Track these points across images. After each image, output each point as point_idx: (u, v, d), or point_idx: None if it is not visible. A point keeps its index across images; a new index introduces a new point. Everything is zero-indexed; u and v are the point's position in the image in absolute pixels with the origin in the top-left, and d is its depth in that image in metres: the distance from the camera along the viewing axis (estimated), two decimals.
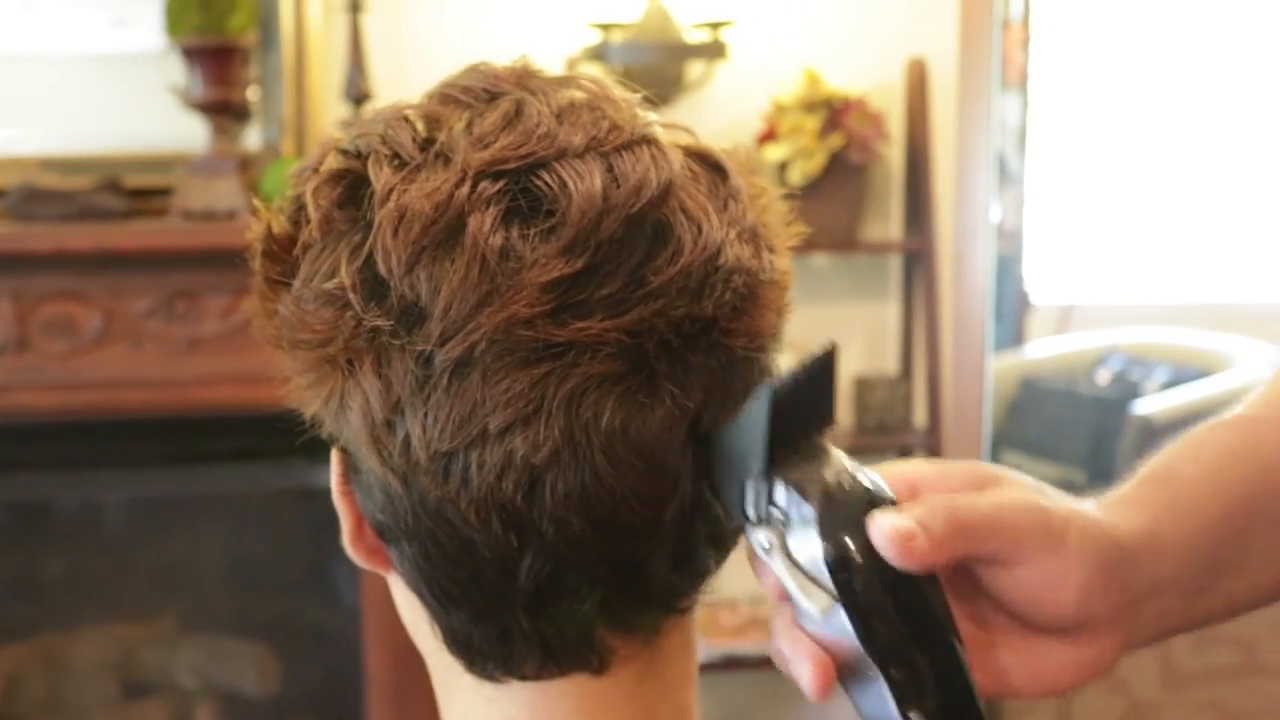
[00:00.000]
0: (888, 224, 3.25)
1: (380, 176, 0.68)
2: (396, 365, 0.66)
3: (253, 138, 2.96)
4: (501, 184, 0.66)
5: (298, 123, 2.96)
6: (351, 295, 0.67)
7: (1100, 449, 2.48)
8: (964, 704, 0.65)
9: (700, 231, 0.68)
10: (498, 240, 0.65)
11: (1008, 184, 2.26)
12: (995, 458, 2.50)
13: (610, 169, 0.67)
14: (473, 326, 0.65)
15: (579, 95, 0.71)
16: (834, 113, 3.02)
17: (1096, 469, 2.54)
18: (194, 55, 2.72)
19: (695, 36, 2.99)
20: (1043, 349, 2.60)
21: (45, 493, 3.13)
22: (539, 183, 0.67)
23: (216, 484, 3.14)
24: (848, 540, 0.64)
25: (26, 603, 3.20)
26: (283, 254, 0.72)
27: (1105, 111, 2.31)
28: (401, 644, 2.76)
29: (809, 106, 3.02)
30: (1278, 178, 2.13)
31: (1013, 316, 2.42)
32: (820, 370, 0.67)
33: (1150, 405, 2.37)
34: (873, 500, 0.66)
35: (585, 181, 0.66)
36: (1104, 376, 2.49)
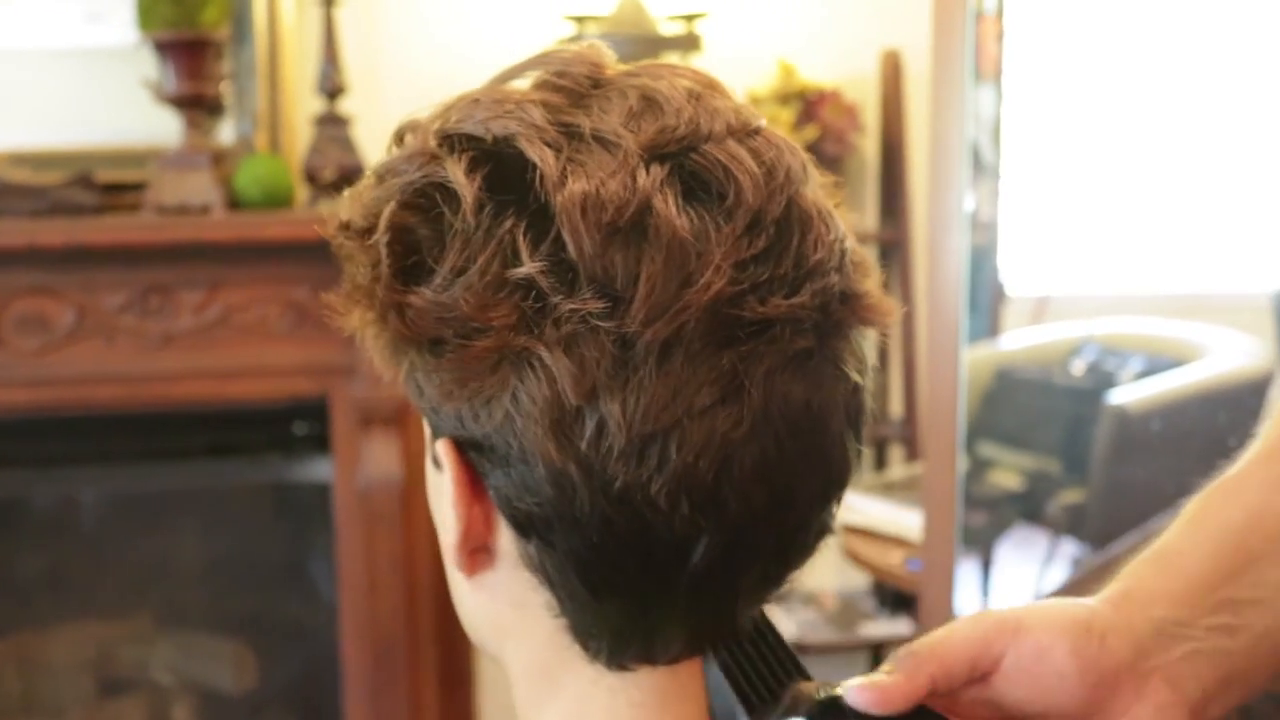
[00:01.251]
0: (863, 215, 3.26)
1: (545, 159, 0.67)
2: (591, 349, 0.65)
3: (226, 132, 2.95)
4: (668, 167, 0.67)
5: (271, 117, 2.95)
6: (541, 280, 0.65)
7: (1075, 439, 2.49)
8: None
9: (830, 215, 0.71)
10: (685, 222, 0.66)
11: (983, 176, 2.26)
12: (971, 448, 2.50)
13: (754, 154, 0.69)
14: (680, 306, 0.65)
15: (691, 84, 0.72)
16: (809, 104, 3.03)
17: (1072, 458, 2.55)
18: (166, 49, 2.71)
19: (669, 29, 2.99)
20: (1018, 340, 2.61)
21: (19, 489, 3.11)
22: (699, 165, 0.68)
23: (192, 480, 3.13)
24: (837, 713, 0.69)
25: (1, 600, 3.18)
26: (409, 244, 0.70)
27: (1080, 103, 2.32)
28: (379, 639, 2.76)
29: (784, 98, 3.02)
30: (1249, 169, 2.14)
31: (988, 308, 2.42)
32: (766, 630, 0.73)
33: (1125, 395, 2.38)
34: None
35: (746, 164, 0.68)
36: (1079, 367, 2.50)
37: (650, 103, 0.69)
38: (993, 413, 2.61)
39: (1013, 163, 2.30)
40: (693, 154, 0.68)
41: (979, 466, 2.56)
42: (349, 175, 2.82)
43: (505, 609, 0.76)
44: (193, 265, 2.80)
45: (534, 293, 0.66)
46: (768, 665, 0.72)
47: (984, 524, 2.55)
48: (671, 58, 3.05)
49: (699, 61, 3.00)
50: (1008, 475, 2.58)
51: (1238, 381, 2.29)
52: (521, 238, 0.66)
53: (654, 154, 0.67)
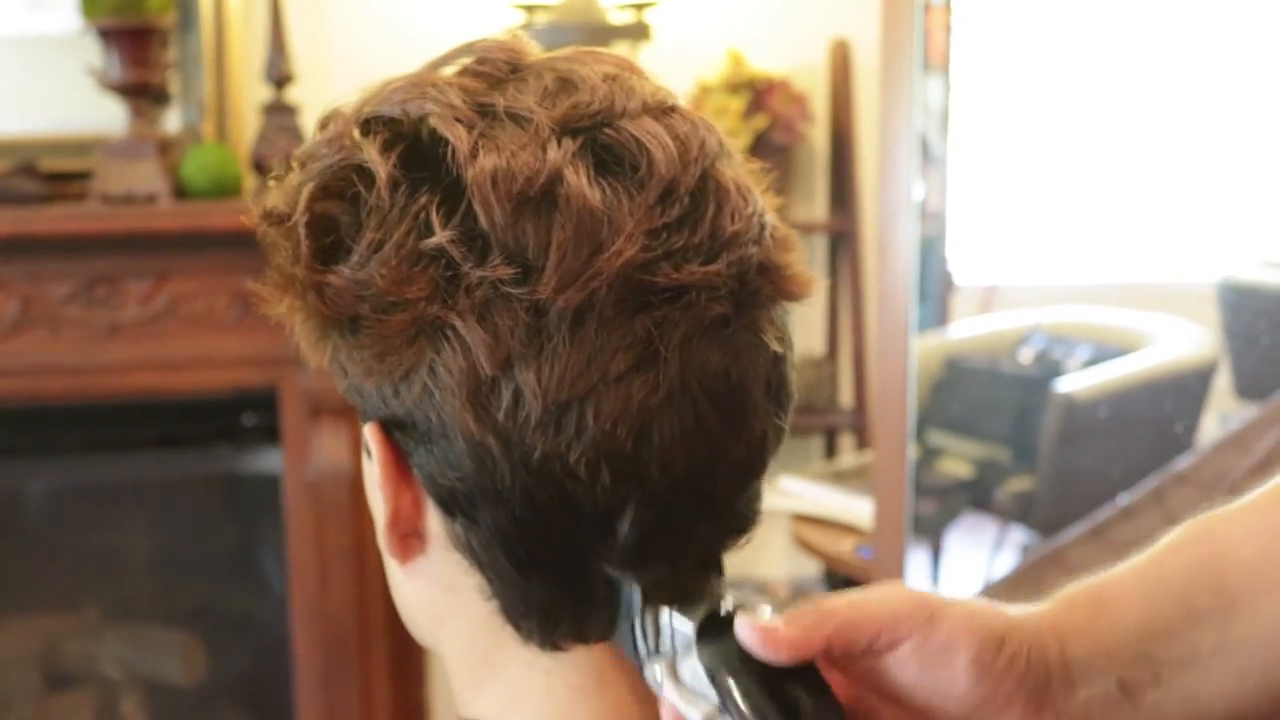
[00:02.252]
0: (812, 205, 3.26)
1: (458, 136, 0.68)
2: (505, 318, 0.66)
3: (173, 121, 2.93)
4: (580, 141, 0.69)
5: (218, 105, 2.93)
6: (453, 250, 0.66)
7: (1023, 427, 2.50)
8: None
9: (749, 190, 0.72)
10: (597, 192, 0.67)
11: (931, 166, 2.27)
12: (920, 437, 2.51)
13: (669, 129, 0.70)
14: (591, 273, 0.66)
15: (609, 67, 0.74)
16: (758, 94, 3.03)
17: (1020, 446, 2.56)
18: (111, 37, 2.68)
19: (619, 18, 2.99)
20: (966, 329, 2.62)
21: None
22: (612, 139, 0.69)
23: (140, 471, 3.11)
24: (722, 648, 0.66)
25: None
26: (327, 225, 0.70)
27: (1027, 93, 2.33)
28: (330, 630, 2.75)
29: (733, 87, 3.02)
30: (1193, 158, 2.16)
31: (937, 297, 2.43)
32: None
33: (1072, 383, 2.40)
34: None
35: (660, 138, 0.69)
36: (1026, 355, 2.52)
37: (565, 83, 0.71)
38: (942, 401, 2.62)
39: (961, 153, 2.31)
40: (606, 129, 0.69)
41: (929, 455, 2.57)
42: None
43: (439, 594, 0.76)
44: (139, 255, 2.78)
45: (445, 263, 0.67)
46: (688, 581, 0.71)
47: (934, 511, 2.56)
48: (621, 47, 3.04)
49: (648, 51, 2.99)
50: (957, 463, 2.59)
51: (1183, 369, 2.30)
52: (435, 212, 0.67)
53: (566, 128, 0.69)
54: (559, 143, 0.68)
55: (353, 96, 0.75)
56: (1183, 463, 2.00)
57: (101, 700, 3.21)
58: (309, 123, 2.85)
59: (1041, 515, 2.47)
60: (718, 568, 0.74)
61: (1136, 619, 0.70)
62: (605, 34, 3.01)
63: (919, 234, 2.23)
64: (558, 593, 0.71)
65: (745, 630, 0.66)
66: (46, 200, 2.76)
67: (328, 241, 0.70)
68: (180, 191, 2.77)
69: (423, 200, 0.67)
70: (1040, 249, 2.33)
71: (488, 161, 0.67)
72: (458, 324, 0.67)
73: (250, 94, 2.94)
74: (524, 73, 0.73)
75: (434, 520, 0.74)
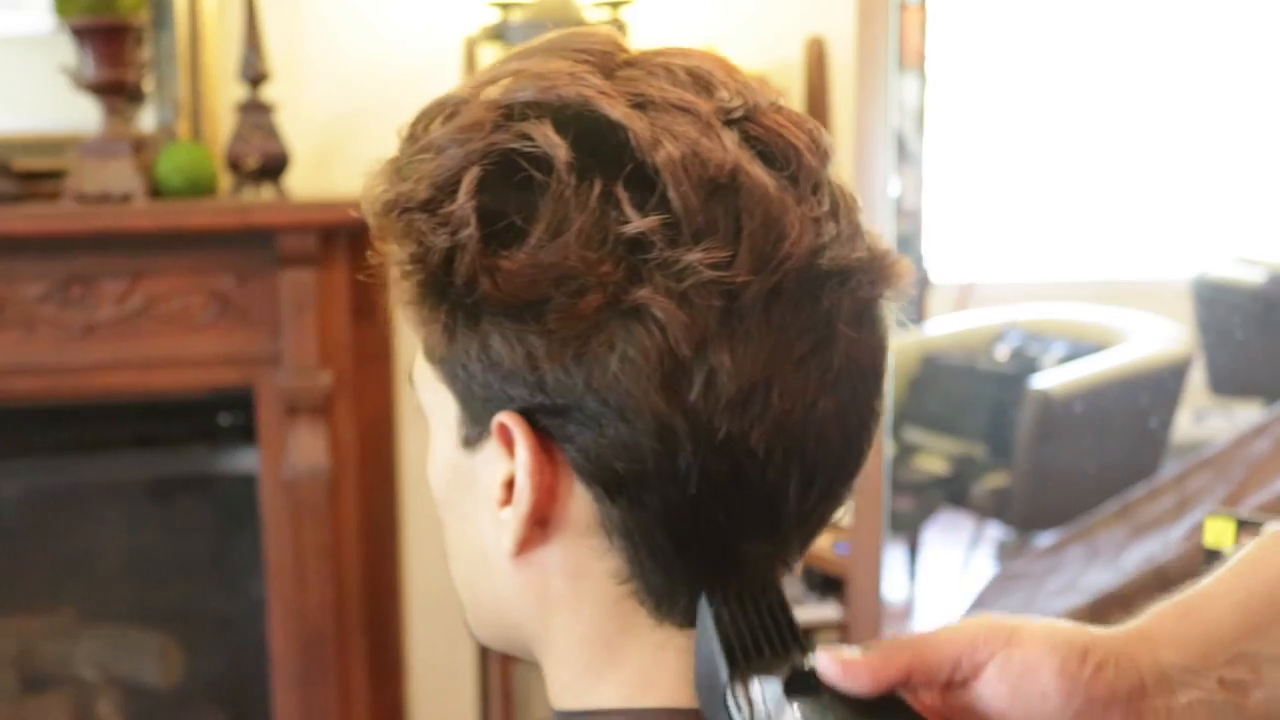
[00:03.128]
0: None
1: (632, 120, 0.69)
2: (701, 301, 0.67)
3: (148, 119, 2.92)
4: (736, 132, 0.71)
5: (193, 104, 2.92)
6: (651, 235, 0.67)
7: (1000, 423, 2.51)
8: None
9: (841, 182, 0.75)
10: (771, 181, 0.70)
11: (907, 164, 2.27)
12: (898, 434, 2.52)
13: (798, 125, 0.74)
14: (780, 259, 0.68)
15: (713, 63, 0.75)
16: None
17: (997, 443, 2.57)
18: (85, 35, 2.67)
19: (595, 15, 2.98)
20: (943, 326, 2.63)
21: None
22: (758, 133, 0.72)
23: (115, 472, 3.10)
24: (813, 701, 0.67)
25: None
26: (496, 210, 0.69)
27: (1003, 91, 2.34)
28: (308, 630, 2.74)
29: None
30: (1167, 156, 2.17)
31: (913, 294, 2.43)
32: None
33: (1048, 380, 2.40)
34: None
35: (795, 133, 0.73)
36: (1003, 352, 2.53)
37: (697, 76, 0.73)
38: (919, 398, 2.63)
39: (937, 151, 2.32)
40: (751, 122, 0.72)
41: (905, 451, 2.57)
42: (273, 163, 2.80)
43: (558, 583, 0.76)
44: (114, 254, 2.77)
45: (640, 245, 0.67)
46: (763, 625, 0.71)
47: (911, 508, 2.57)
48: None
49: None
50: (934, 460, 2.60)
51: (1158, 365, 2.31)
52: (623, 195, 0.68)
53: (724, 120, 0.71)
54: (723, 132, 0.70)
55: (457, 89, 0.75)
56: (1207, 450, 2.01)
57: (78, 702, 3.20)
58: (285, 121, 2.85)
59: (1018, 511, 2.48)
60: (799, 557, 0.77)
61: (1229, 622, 0.70)
62: None
63: (895, 231, 2.24)
64: (708, 570, 0.72)
65: (826, 663, 0.67)
66: (20, 199, 2.75)
67: (499, 226, 0.69)
68: (155, 190, 2.76)
69: (603, 183, 0.68)
70: (1016, 246, 2.34)
71: (674, 148, 0.68)
72: (654, 306, 0.67)
73: (225, 93, 2.92)
74: (639, 65, 0.74)
75: (577, 506, 0.73)
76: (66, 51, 2.73)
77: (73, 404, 2.88)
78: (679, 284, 0.67)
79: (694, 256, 0.67)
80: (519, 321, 0.69)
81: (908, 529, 2.53)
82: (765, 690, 0.67)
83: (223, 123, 2.92)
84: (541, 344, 0.69)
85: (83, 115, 2.77)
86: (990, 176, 2.27)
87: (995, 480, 2.55)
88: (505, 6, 2.93)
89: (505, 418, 0.71)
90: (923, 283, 2.49)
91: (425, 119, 0.75)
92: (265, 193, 2.81)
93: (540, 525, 0.74)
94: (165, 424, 3.01)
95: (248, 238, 2.78)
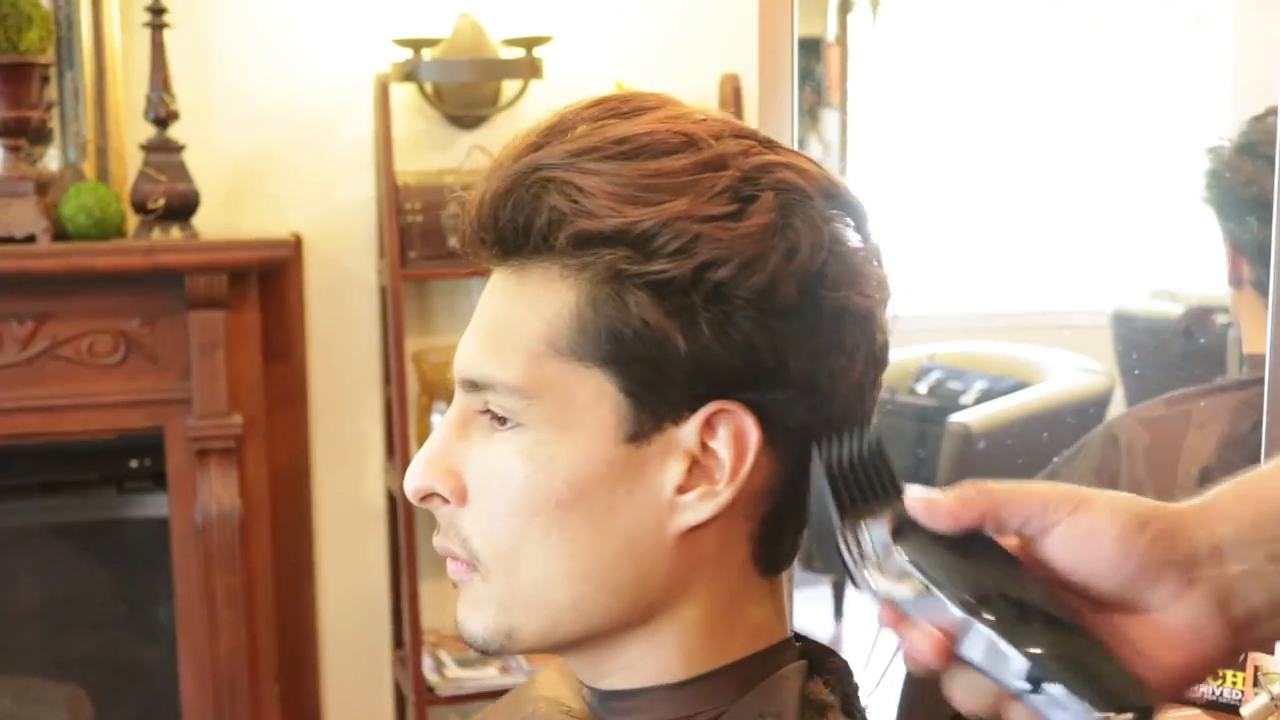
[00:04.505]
0: None
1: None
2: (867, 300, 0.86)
3: (52, 159, 2.87)
4: None
5: (99, 143, 2.87)
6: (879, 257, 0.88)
7: (922, 457, 2.51)
8: (1076, 636, 0.72)
9: None
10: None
11: None
12: None
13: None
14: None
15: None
16: None
17: (919, 476, 2.55)
18: None
19: (509, 53, 2.97)
20: None
21: None
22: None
23: (22, 518, 3.04)
24: (915, 541, 0.76)
25: None
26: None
27: (921, 126, 2.35)
28: (219, 678, 2.67)
29: None
30: (1087, 190, 2.19)
31: None
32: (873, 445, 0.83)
33: (968, 415, 2.41)
34: None
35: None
36: (924, 387, 2.53)
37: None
38: None
39: (859, 184, 2.32)
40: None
41: None
42: (181, 203, 2.76)
43: (709, 552, 0.85)
44: (18, 296, 2.72)
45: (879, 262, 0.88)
46: (867, 474, 0.80)
47: None
48: (512, 84, 3.03)
49: (539, 87, 2.98)
50: None
51: (1078, 399, 2.32)
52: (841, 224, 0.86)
53: None
54: None
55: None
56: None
57: None
58: (193, 160, 2.81)
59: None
60: None
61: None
62: (495, 70, 2.99)
63: None
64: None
65: (913, 500, 0.76)
66: None
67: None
68: (60, 231, 2.71)
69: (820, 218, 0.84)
70: (937, 281, 2.34)
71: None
72: (878, 309, 0.86)
73: (133, 132, 2.88)
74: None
75: (753, 476, 0.83)
76: None
77: None
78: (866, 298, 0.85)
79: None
80: (795, 319, 0.82)
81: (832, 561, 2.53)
82: (873, 534, 0.77)
83: (130, 162, 2.87)
84: (804, 336, 0.82)
85: None
86: (911, 212, 2.27)
87: None
88: (416, 45, 2.91)
89: (725, 405, 0.82)
90: None
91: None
92: (173, 233, 2.77)
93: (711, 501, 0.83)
94: (72, 468, 2.96)
95: (155, 279, 2.74)
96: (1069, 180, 2.23)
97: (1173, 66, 2.19)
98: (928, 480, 0.77)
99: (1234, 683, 1.52)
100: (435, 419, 2.97)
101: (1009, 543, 0.76)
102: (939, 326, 2.50)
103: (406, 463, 2.99)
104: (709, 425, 0.82)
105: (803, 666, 0.89)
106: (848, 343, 0.84)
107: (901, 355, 2.58)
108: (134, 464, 2.93)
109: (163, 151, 2.78)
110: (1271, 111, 1.70)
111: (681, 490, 0.83)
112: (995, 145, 2.33)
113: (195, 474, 2.80)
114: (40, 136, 2.80)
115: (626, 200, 0.80)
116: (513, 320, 0.83)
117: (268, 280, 2.92)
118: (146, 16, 2.78)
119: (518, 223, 0.82)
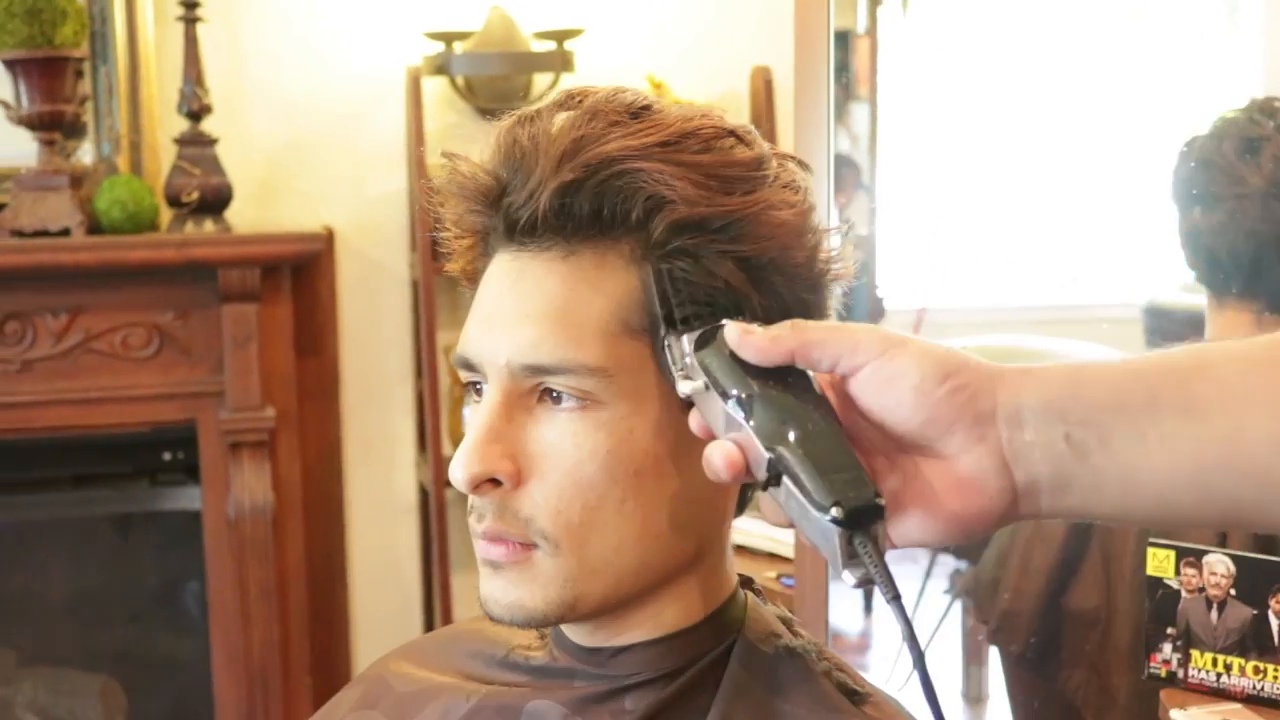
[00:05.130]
0: None
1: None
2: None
3: (86, 153, 2.88)
4: None
5: (133, 138, 2.88)
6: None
7: None
8: (831, 443, 0.76)
9: None
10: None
11: (859, 191, 2.27)
12: None
13: None
14: None
15: None
16: None
17: None
18: (20, 68, 2.63)
19: (540, 46, 2.97)
20: None
21: None
22: None
23: (56, 511, 3.05)
24: (715, 349, 0.81)
25: None
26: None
27: (954, 119, 2.34)
28: (252, 670, 2.68)
29: None
30: (1121, 184, 2.18)
31: (867, 321, 2.43)
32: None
33: None
34: None
35: None
36: None
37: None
38: None
39: (888, 178, 2.31)
40: None
41: None
42: (214, 196, 2.77)
43: (731, 494, 0.93)
44: (53, 290, 2.73)
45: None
46: (701, 300, 0.84)
47: None
48: (543, 76, 3.03)
49: (570, 80, 2.98)
50: None
51: None
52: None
53: None
54: None
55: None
56: None
57: None
58: (226, 154, 2.82)
59: (972, 543, 2.46)
60: None
61: (1102, 390, 0.75)
62: (526, 63, 2.99)
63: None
64: None
65: (730, 329, 0.79)
66: None
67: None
68: (94, 225, 2.72)
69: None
70: (969, 273, 2.34)
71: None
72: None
73: (166, 126, 2.89)
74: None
75: None
76: (3, 84, 2.69)
77: (11, 442, 2.83)
78: None
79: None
80: (806, 290, 0.90)
81: None
82: (684, 344, 0.82)
83: (163, 156, 2.88)
84: (813, 303, 0.91)
85: (19, 149, 2.73)
86: (944, 204, 2.27)
87: None
88: (447, 38, 2.91)
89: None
90: (876, 310, 2.49)
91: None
92: (206, 227, 2.78)
93: None
94: (106, 461, 2.97)
95: (189, 272, 2.75)
96: (1100, 172, 2.21)
97: (1206, 58, 2.18)
98: None
99: (1275, 678, 1.51)
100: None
101: (825, 380, 0.79)
102: (970, 320, 2.49)
103: (439, 456, 3.00)
104: None
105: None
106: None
107: None
108: (167, 457, 2.94)
109: (196, 145, 2.79)
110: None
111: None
112: (1026, 138, 2.32)
113: (228, 467, 2.81)
114: (74, 130, 2.81)
115: (719, 190, 0.86)
116: (575, 303, 0.86)
117: (300, 274, 2.93)
118: (180, 10, 2.79)
119: (595, 209, 0.85)
